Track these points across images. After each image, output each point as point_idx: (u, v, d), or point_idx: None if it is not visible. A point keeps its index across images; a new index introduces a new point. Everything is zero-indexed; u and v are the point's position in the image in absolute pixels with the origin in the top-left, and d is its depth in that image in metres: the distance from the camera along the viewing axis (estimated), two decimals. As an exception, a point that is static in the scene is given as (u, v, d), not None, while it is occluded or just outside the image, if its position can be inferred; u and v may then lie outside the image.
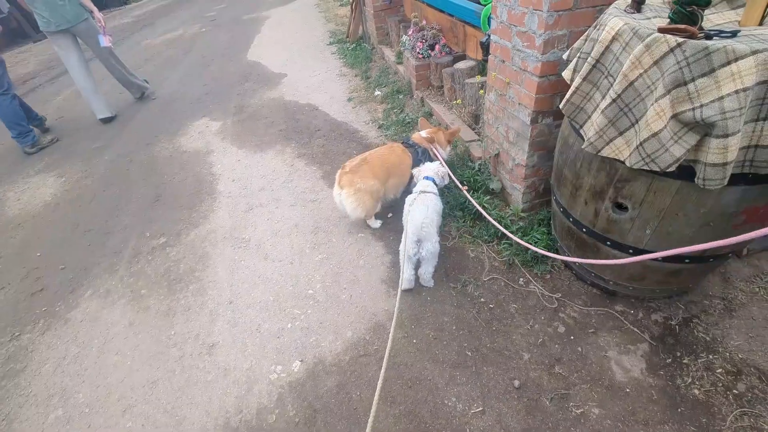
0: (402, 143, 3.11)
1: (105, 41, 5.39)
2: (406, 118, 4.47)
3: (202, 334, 2.62)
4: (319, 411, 2.13)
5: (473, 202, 2.67)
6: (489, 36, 3.25)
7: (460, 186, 2.84)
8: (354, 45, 7.03)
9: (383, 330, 2.46)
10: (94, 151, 5.30)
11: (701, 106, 1.44)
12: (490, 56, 2.77)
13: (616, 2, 1.96)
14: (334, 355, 2.37)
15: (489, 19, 3.46)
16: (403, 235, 2.41)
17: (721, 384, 2.00)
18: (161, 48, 9.60)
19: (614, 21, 1.72)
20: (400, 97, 5.03)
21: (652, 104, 1.58)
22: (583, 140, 1.91)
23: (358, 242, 3.08)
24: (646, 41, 1.54)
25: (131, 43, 10.61)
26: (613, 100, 1.68)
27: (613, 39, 1.70)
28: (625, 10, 1.82)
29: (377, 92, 5.32)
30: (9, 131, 5.37)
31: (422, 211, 2.42)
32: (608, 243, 2.06)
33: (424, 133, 3.20)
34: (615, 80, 1.71)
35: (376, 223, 3.11)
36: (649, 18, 1.72)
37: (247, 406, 2.22)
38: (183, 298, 2.91)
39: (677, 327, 2.25)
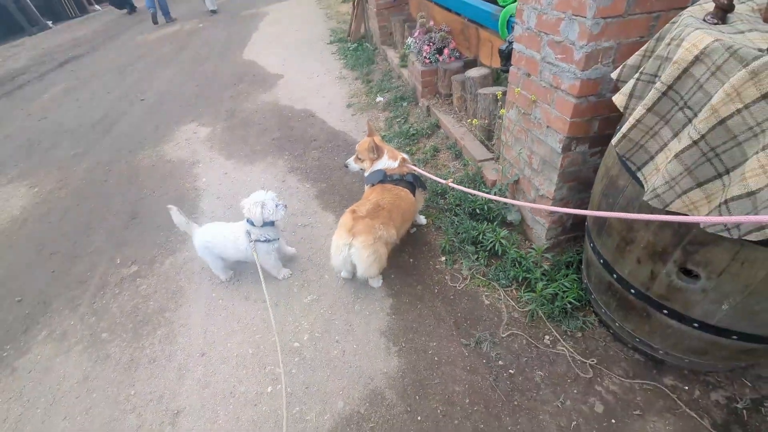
0: (401, 180, 2.51)
1: None
2: (411, 129, 4.03)
3: (167, 396, 2.21)
4: None
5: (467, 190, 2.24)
6: (510, 43, 2.80)
7: (440, 180, 2.37)
8: (355, 45, 6.58)
9: (382, 401, 2.03)
10: (72, 158, 4.88)
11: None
12: (511, 68, 2.32)
13: (689, 8, 1.51)
14: (321, 433, 1.94)
15: (509, 22, 3.01)
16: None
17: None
18: (154, 45, 9.16)
19: (697, 35, 1.27)
20: (404, 104, 4.58)
21: (756, 153, 1.14)
22: (641, 185, 1.48)
23: (354, 280, 2.65)
24: (752, 66, 1.10)
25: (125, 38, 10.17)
26: (694, 142, 1.25)
27: (696, 59, 1.26)
28: (704, 20, 1.37)
29: (379, 98, 4.86)
30: None
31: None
32: (665, 311, 1.63)
33: (392, 162, 2.56)
34: (697, 115, 1.27)
35: (378, 282, 2.59)
36: (743, 32, 1.27)
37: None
38: (149, 345, 2.50)
39: (744, 412, 1.82)
